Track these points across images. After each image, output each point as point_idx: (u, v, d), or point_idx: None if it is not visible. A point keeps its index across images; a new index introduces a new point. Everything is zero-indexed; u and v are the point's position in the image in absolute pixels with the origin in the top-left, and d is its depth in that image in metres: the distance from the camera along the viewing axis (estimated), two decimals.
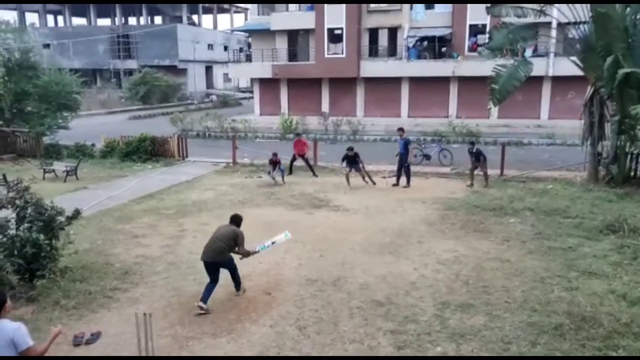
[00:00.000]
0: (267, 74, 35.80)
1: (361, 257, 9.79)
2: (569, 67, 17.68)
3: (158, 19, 66.01)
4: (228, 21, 71.76)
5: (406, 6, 33.58)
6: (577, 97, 26.78)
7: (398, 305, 7.71)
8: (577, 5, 15.43)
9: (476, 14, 30.55)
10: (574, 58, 16.43)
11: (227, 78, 62.97)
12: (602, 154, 16.08)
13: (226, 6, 67.83)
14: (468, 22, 32.31)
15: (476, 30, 32.40)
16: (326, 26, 33.98)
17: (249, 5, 44.67)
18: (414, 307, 7.64)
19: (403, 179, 16.07)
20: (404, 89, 34.26)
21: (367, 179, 16.01)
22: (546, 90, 31.78)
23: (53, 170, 17.82)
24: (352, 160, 15.94)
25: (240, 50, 50.76)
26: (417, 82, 33.58)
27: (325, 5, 33.63)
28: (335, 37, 34.29)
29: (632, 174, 15.64)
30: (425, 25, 33.33)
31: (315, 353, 6.50)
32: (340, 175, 17.14)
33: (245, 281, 8.30)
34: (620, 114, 14.81)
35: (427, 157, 19.87)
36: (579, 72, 16.55)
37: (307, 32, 35.46)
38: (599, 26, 14.40)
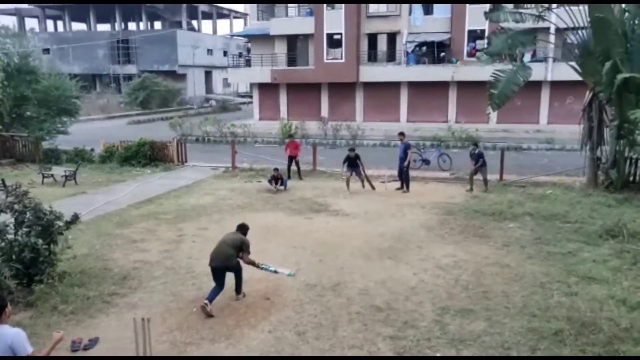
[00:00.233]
0: (267, 78, 35.87)
1: (360, 262, 9.77)
2: (567, 72, 17.73)
3: (158, 24, 66.22)
4: (227, 26, 72.00)
5: (405, 11, 33.72)
6: (576, 102, 26.84)
7: (397, 311, 7.69)
8: (576, 11, 15.48)
9: (475, 20, 30.64)
10: (573, 63, 16.47)
11: (226, 83, 63.10)
12: (601, 158, 16.08)
13: (225, 11, 68.05)
14: (467, 28, 32.44)
15: (475, 35, 32.52)
16: (325, 31, 34.10)
17: (248, 10, 44.71)
18: (413, 313, 7.62)
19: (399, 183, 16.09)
20: (403, 94, 34.34)
21: (366, 183, 16.01)
22: (545, 95, 31.87)
23: (52, 175, 17.79)
24: (353, 163, 15.91)
25: (240, 55, 50.91)
26: (416, 87, 33.66)
27: (325, 10, 33.76)
28: (334, 42, 34.39)
29: (632, 178, 15.63)
30: (424, 31, 33.46)
31: None
32: (340, 180, 17.15)
33: (244, 286, 8.26)
34: (619, 118, 14.82)
35: (427, 162, 19.87)
36: (578, 77, 16.59)
37: (306, 37, 35.57)
38: (597, 31, 14.43)
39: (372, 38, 35.05)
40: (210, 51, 62.17)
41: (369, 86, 34.65)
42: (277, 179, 16.11)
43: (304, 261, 9.78)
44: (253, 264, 8.17)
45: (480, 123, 29.26)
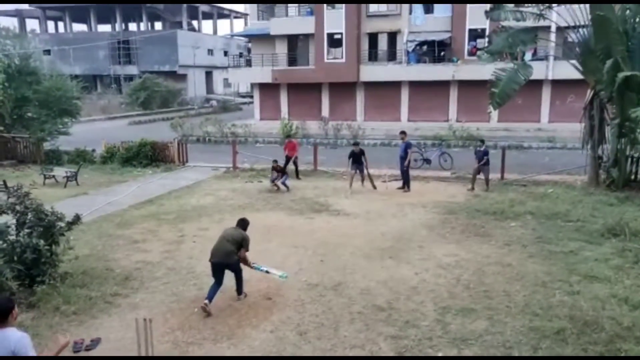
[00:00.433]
0: (267, 78, 35.87)
1: (362, 261, 9.77)
2: (568, 70, 17.70)
3: (158, 25, 66.28)
4: (228, 26, 72.03)
5: (405, 11, 33.72)
6: (577, 101, 26.81)
7: (399, 310, 7.68)
8: (577, 9, 15.46)
9: (475, 18, 30.63)
10: (574, 61, 16.45)
11: (227, 83, 63.12)
12: (603, 157, 16.07)
13: (226, 11, 68.07)
14: (467, 26, 32.42)
15: (475, 34, 32.50)
16: (326, 31, 34.10)
17: (248, 10, 44.74)
18: (415, 312, 7.62)
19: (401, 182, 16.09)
20: (404, 93, 34.33)
21: (367, 182, 16.00)
22: (546, 93, 31.85)
23: (53, 176, 17.81)
24: (358, 159, 15.89)
25: (240, 55, 50.92)
26: (417, 86, 33.65)
27: (325, 10, 33.76)
28: (334, 42, 34.39)
29: (633, 177, 15.62)
30: (424, 30, 33.45)
31: None
32: (341, 180, 17.17)
33: (245, 286, 8.26)
34: (621, 117, 14.80)
35: (428, 161, 19.86)
36: (579, 76, 16.56)
37: (307, 37, 35.58)
38: (598, 29, 14.41)
39: (373, 37, 35.05)
40: (210, 51, 62.21)
41: (370, 86, 34.65)
42: (277, 171, 16.11)
43: (305, 261, 9.78)
44: (246, 262, 8.08)
45: (481, 122, 29.25)
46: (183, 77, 56.62)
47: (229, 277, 7.93)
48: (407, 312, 7.63)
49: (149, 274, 9.26)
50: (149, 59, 56.12)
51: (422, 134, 26.95)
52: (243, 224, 8.31)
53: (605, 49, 14.41)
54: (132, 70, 57.18)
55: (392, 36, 34.69)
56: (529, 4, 16.82)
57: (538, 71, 23.27)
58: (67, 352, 6.60)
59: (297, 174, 17.94)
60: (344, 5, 33.38)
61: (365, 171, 15.98)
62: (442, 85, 33.02)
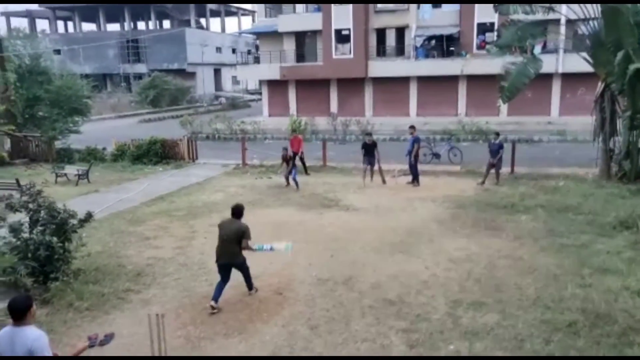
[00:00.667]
0: (275, 75, 35.90)
1: (372, 256, 9.77)
2: (578, 63, 17.53)
3: (167, 24, 66.50)
4: (236, 24, 72.13)
5: (413, 6, 33.56)
6: (588, 93, 26.54)
7: (410, 304, 7.69)
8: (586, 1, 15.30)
9: (484, 12, 30.43)
10: (584, 54, 16.30)
11: (235, 80, 63.25)
12: (614, 149, 15.93)
13: (234, 9, 68.16)
14: (476, 21, 32.21)
15: (484, 28, 32.28)
16: (333, 27, 34.03)
17: (256, 8, 44.77)
18: (425, 306, 7.62)
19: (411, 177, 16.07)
20: (413, 88, 34.20)
21: (376, 176, 15.96)
22: (556, 87, 31.59)
23: (65, 174, 17.98)
24: (370, 151, 15.86)
25: (249, 52, 51.01)
26: (425, 81, 33.50)
27: (332, 6, 33.68)
28: (342, 38, 34.31)
29: None
30: (432, 25, 33.27)
31: (326, 353, 6.49)
32: (350, 175, 17.17)
33: (256, 281, 8.30)
34: (632, 109, 14.66)
35: (437, 155, 19.79)
36: (589, 68, 16.40)
37: (315, 33, 35.53)
38: (609, 21, 14.26)
39: (381, 33, 34.93)
40: (219, 49, 62.35)
41: (378, 81, 34.56)
42: (286, 160, 16.06)
43: (315, 256, 9.81)
44: (248, 248, 7.69)
45: (491, 116, 29.06)
46: (192, 75, 56.81)
47: (237, 272, 7.94)
48: (418, 305, 7.63)
49: (161, 270, 9.34)
50: (158, 57, 56.36)
51: (431, 129, 26.83)
52: (238, 211, 7.85)
53: (616, 41, 14.27)
54: (141, 68, 57.49)
55: (400, 31, 34.55)
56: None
57: (548, 64, 23.05)
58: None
59: (305, 170, 17.94)
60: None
61: (376, 165, 15.92)
62: (451, 80, 32.85)
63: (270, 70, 36.29)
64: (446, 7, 33.50)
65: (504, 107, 28.12)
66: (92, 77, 28.21)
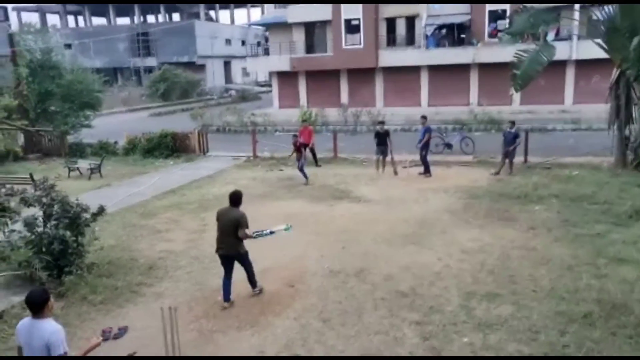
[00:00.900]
0: (285, 67, 35.76)
1: (384, 248, 9.73)
2: (593, 49, 17.22)
3: (176, 16, 66.50)
4: (245, 15, 71.94)
5: None
6: (603, 81, 26.13)
7: (423, 296, 7.64)
8: None
9: None
10: (599, 40, 16.01)
11: (245, 72, 63.11)
12: (630, 137, 15.67)
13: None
14: (487, 8, 31.76)
15: (496, 15, 31.83)
16: (343, 17, 33.77)
17: None
18: (439, 298, 7.57)
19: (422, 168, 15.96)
20: (424, 78, 33.89)
21: (387, 167, 15.86)
22: (570, 74, 31.11)
23: (77, 168, 18.12)
24: (383, 140, 15.75)
25: (258, 44, 50.86)
26: (436, 71, 33.18)
27: None
28: (352, 28, 34.05)
29: None
30: (443, 13, 32.87)
31: (340, 345, 6.48)
32: (361, 167, 17.09)
33: (267, 274, 8.30)
34: None
35: (449, 145, 19.62)
36: (604, 55, 16.11)
37: (324, 23, 35.29)
38: (624, 6, 13.99)
39: (391, 22, 34.59)
40: (228, 41, 62.24)
41: (389, 71, 34.28)
42: (297, 148, 15.75)
43: (327, 248, 9.78)
44: (247, 236, 7.38)
45: (503, 105, 28.74)
46: (202, 68, 56.81)
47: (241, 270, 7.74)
48: (431, 297, 7.59)
49: (173, 263, 9.38)
50: (168, 50, 56.42)
51: (442, 119, 26.59)
52: (235, 198, 7.49)
53: (631, 27, 14.00)
54: (151, 62, 57.59)
55: (411, 20, 34.19)
56: None
57: (561, 51, 22.70)
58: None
59: (315, 161, 17.88)
60: None
61: (389, 155, 15.80)
62: (462, 69, 32.48)
63: (280, 61, 36.16)
64: None
65: (516, 96, 27.78)
66: (103, 72, 28.30)
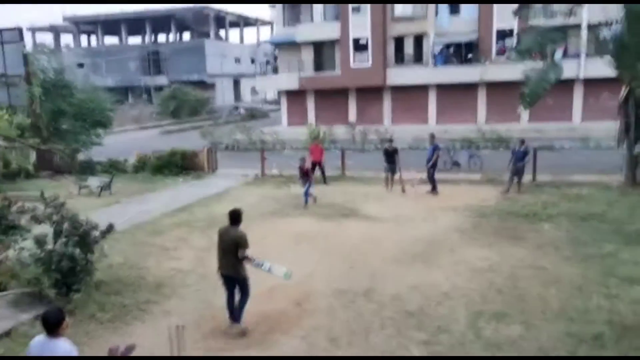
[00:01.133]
0: (294, 85, 36.10)
1: (392, 267, 9.69)
2: (601, 68, 17.25)
3: (186, 35, 67.46)
4: (254, 34, 72.76)
5: (431, 13, 33.48)
6: (611, 98, 26.09)
7: (430, 316, 7.59)
8: (609, 5, 15.07)
9: (503, 18, 30.18)
10: (607, 58, 16.01)
11: (254, 91, 63.72)
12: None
13: (252, 20, 68.82)
14: (495, 27, 31.97)
15: (503, 34, 32.05)
16: (351, 36, 34.15)
17: (274, 17, 45.12)
18: (446, 317, 7.51)
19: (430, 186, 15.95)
20: (432, 96, 34.06)
21: (397, 185, 15.87)
22: (578, 92, 31.13)
23: (88, 186, 18.25)
24: (391, 158, 15.82)
25: (267, 63, 51.36)
26: (444, 89, 33.34)
27: (350, 15, 33.82)
28: (360, 47, 34.38)
29: None
30: (451, 32, 33.12)
31: None
32: (370, 185, 17.09)
33: (275, 292, 8.28)
34: None
35: (457, 164, 19.60)
36: (612, 73, 16.10)
37: (333, 42, 35.69)
38: (632, 24, 14.00)
39: (399, 41, 34.91)
40: (238, 60, 62.99)
41: (397, 89, 34.49)
42: (304, 172, 15.20)
43: (335, 267, 9.76)
44: (247, 259, 7.17)
45: (511, 123, 28.73)
46: (211, 86, 57.44)
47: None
48: (439, 317, 7.53)
49: (181, 281, 9.39)
50: (178, 69, 57.17)
51: (450, 137, 26.56)
52: (234, 217, 7.24)
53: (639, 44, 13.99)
54: (162, 80, 58.33)
55: (419, 39, 34.49)
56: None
57: (569, 70, 22.76)
58: None
59: (324, 179, 17.92)
60: (369, 9, 33.32)
61: (397, 173, 15.83)
62: (470, 87, 32.62)
63: (288, 80, 36.50)
64: (465, 14, 33.33)
65: (524, 114, 27.80)
66: (114, 90, 28.70)
